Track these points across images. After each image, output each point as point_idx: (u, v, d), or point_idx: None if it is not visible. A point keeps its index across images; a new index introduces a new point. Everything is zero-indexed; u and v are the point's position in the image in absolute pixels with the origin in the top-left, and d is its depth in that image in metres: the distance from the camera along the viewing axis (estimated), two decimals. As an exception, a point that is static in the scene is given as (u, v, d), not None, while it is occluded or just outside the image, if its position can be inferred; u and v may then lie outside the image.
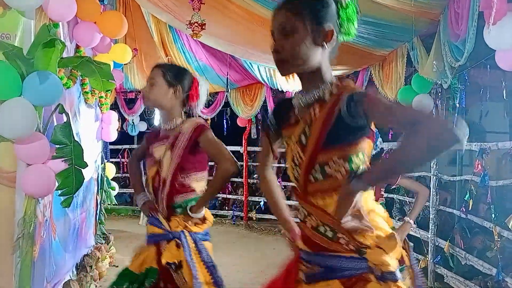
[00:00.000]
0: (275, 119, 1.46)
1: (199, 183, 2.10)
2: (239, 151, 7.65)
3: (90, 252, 4.51)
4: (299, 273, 1.36)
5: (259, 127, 7.87)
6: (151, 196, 2.17)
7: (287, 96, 6.87)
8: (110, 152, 7.03)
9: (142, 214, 3.07)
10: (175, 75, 2.12)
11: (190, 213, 2.04)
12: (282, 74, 1.34)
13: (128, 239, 5.91)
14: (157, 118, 8.03)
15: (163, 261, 1.99)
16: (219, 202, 8.24)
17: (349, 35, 1.34)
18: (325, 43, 1.28)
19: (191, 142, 2.04)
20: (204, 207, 2.10)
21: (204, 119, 5.31)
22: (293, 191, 1.40)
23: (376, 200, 1.46)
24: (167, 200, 2.05)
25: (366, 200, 1.30)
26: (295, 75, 1.35)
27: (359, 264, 1.23)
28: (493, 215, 3.64)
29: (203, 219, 2.11)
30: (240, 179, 7.89)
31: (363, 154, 1.27)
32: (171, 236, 2.02)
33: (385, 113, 1.19)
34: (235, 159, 2.08)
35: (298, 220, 1.39)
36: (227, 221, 7.75)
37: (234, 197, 7.99)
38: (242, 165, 7.72)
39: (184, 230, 2.02)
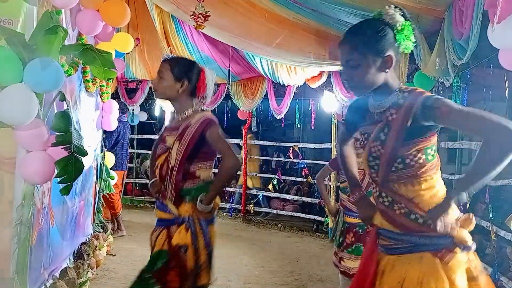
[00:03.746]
0: (351, 115, 1.81)
1: (205, 171, 2.22)
2: (238, 143, 7.65)
3: (87, 240, 4.52)
4: (378, 246, 1.62)
5: (259, 121, 7.86)
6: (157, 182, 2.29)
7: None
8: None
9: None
10: (182, 69, 2.24)
11: (199, 206, 2.14)
12: (356, 95, 1.72)
13: (127, 229, 5.93)
14: (157, 108, 8.03)
15: (173, 242, 2.13)
16: (218, 194, 8.24)
17: (408, 49, 1.58)
18: (386, 68, 1.55)
19: (198, 135, 2.16)
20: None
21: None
22: (371, 181, 1.67)
23: None
24: (175, 187, 2.17)
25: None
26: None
27: (447, 240, 1.52)
28: (490, 215, 3.65)
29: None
30: (238, 172, 7.90)
31: (435, 146, 1.55)
32: (181, 221, 2.16)
33: (457, 120, 1.45)
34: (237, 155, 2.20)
35: (383, 206, 1.60)
36: (224, 213, 7.75)
37: (233, 189, 8.00)
38: (242, 157, 7.73)
39: (192, 215, 2.15)
